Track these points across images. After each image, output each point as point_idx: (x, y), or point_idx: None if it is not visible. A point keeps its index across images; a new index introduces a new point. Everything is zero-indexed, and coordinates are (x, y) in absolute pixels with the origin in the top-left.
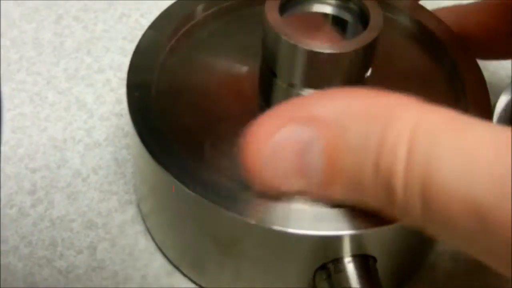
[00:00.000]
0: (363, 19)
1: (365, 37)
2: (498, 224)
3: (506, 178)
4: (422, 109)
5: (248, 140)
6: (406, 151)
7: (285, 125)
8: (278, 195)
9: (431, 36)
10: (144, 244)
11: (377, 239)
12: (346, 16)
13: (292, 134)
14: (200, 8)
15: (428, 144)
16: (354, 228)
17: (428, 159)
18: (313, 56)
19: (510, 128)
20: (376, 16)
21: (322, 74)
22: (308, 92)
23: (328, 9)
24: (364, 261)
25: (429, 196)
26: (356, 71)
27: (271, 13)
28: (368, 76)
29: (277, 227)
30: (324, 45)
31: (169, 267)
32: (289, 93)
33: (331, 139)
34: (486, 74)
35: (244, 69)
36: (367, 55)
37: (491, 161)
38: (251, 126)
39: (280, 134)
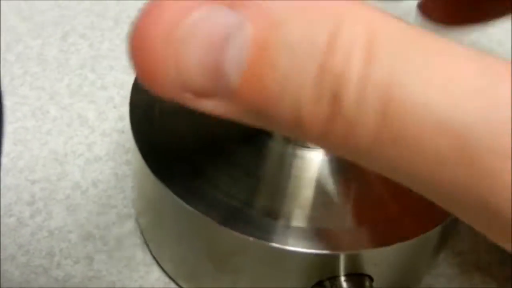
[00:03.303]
0: None
1: None
2: (482, 151)
3: (493, 93)
4: (378, 13)
5: (146, 17)
6: (363, 57)
7: (203, 5)
8: (177, 98)
9: None
10: (141, 256)
11: (374, 259)
12: None
13: (211, 17)
14: None
15: (390, 53)
16: (351, 248)
17: (390, 70)
18: None
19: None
20: None
21: None
22: None
23: None
24: (360, 280)
25: (390, 112)
26: None
27: None
28: None
29: (275, 244)
30: None
31: (166, 279)
32: None
33: (264, 29)
34: None
35: None
36: None
37: (471, 76)
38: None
39: (194, 15)
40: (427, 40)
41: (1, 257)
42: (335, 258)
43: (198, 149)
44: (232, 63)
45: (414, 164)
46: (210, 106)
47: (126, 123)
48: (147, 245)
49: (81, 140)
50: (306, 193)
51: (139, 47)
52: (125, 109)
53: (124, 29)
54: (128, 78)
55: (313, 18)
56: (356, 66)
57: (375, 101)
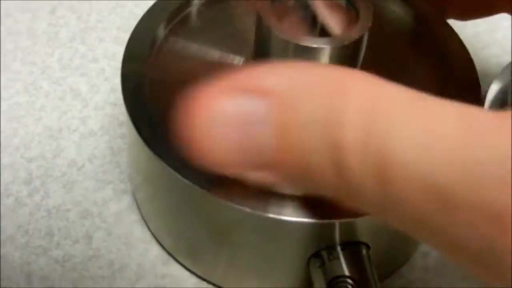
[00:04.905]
0: (354, 5)
1: (356, 32)
2: (460, 205)
3: (468, 154)
4: (378, 84)
5: (189, 106)
6: (360, 129)
7: (233, 95)
8: (220, 172)
9: (421, 23)
10: (140, 233)
11: (370, 226)
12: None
13: (240, 105)
14: None
15: (385, 122)
16: (347, 215)
17: (385, 137)
18: (303, 51)
19: (475, 106)
20: (365, 8)
21: None
22: None
23: None
24: (357, 249)
25: (386, 177)
26: (347, 64)
27: (263, 7)
28: (358, 68)
29: (271, 215)
30: (314, 39)
31: (165, 256)
32: None
33: (283, 112)
34: (476, 62)
35: (239, 58)
36: (357, 48)
37: (451, 136)
38: (194, 92)
39: (226, 103)
40: (418, 104)
41: (1, 238)
42: (331, 227)
43: None
44: (260, 142)
45: (412, 217)
46: (256, 176)
47: (118, 95)
48: (145, 221)
49: (74, 114)
50: None
51: (187, 133)
52: (117, 81)
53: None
54: (118, 49)
55: (319, 96)
56: (354, 139)
57: (372, 169)
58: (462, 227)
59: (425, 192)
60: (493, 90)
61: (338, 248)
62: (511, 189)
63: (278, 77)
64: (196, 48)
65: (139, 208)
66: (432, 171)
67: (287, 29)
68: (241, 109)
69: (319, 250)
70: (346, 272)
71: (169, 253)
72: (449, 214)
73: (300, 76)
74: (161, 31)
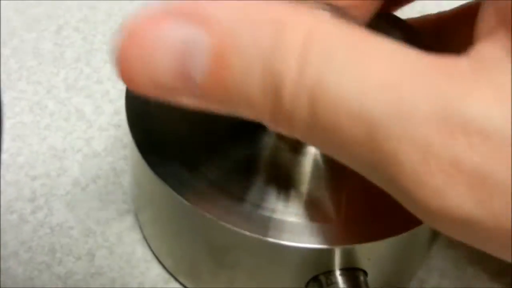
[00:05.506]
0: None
1: None
2: (387, 137)
3: (399, 88)
4: (319, 19)
5: (122, 32)
6: (297, 59)
7: (173, 20)
8: (154, 96)
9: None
10: (141, 252)
11: (368, 253)
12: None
13: (176, 30)
14: None
15: (320, 54)
16: (345, 242)
17: (319, 68)
18: None
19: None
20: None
21: None
22: None
23: None
24: (354, 275)
25: (317, 105)
26: None
27: None
28: None
29: (271, 239)
30: None
31: (166, 275)
32: None
33: (221, 40)
34: None
35: None
36: None
37: (383, 76)
38: (128, 18)
39: (161, 28)
40: (355, 40)
41: (4, 254)
42: (330, 253)
43: (195, 143)
44: (196, 68)
45: (339, 146)
46: (185, 100)
47: (122, 117)
48: (146, 241)
49: (79, 135)
50: (300, 187)
51: (117, 55)
52: (121, 103)
53: (116, 22)
54: None
55: (258, 25)
56: (291, 68)
57: (306, 97)
58: (384, 155)
59: (353, 123)
60: None
61: (337, 274)
62: (432, 126)
63: (220, 6)
64: None
65: (141, 228)
66: (363, 105)
67: None
68: (179, 34)
69: (317, 274)
70: None
71: (169, 273)
72: (375, 144)
73: (243, 6)
74: None
